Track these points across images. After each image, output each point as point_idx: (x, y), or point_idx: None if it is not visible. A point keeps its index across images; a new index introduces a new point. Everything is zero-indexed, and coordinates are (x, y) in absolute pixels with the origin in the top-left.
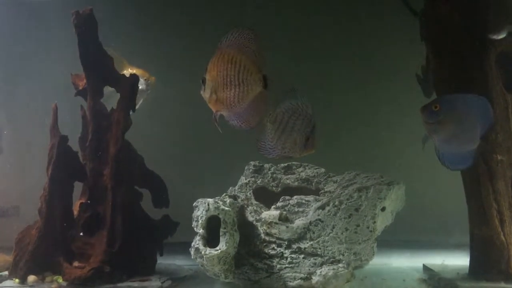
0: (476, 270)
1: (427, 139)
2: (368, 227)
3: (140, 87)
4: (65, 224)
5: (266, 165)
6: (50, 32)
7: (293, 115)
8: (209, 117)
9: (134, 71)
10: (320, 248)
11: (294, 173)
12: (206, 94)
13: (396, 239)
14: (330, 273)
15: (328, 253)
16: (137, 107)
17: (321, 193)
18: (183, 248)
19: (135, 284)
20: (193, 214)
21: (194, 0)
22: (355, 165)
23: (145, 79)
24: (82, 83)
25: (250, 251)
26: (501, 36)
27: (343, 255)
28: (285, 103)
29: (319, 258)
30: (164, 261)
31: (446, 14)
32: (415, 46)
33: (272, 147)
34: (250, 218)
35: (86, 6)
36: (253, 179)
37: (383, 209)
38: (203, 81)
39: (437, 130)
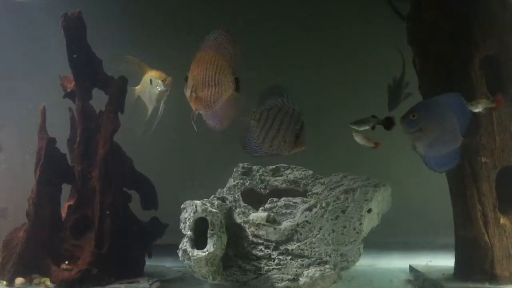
0: (461, 270)
1: (414, 148)
2: (354, 229)
3: (159, 89)
4: (53, 226)
5: (255, 167)
6: (39, 33)
7: (280, 112)
8: (199, 119)
9: (153, 73)
10: (307, 250)
11: (282, 175)
12: (187, 92)
13: (382, 240)
14: (317, 274)
15: (315, 254)
16: (161, 110)
17: (308, 195)
18: (172, 250)
19: (123, 286)
20: (181, 216)
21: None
22: (343, 167)
23: (162, 80)
24: (70, 85)
25: (238, 253)
26: (362, 128)
27: (330, 256)
28: (270, 100)
29: (306, 260)
30: (152, 263)
31: (431, 18)
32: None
33: (259, 145)
34: (238, 220)
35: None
36: (241, 181)
37: (369, 210)
38: (186, 79)
39: (420, 137)
